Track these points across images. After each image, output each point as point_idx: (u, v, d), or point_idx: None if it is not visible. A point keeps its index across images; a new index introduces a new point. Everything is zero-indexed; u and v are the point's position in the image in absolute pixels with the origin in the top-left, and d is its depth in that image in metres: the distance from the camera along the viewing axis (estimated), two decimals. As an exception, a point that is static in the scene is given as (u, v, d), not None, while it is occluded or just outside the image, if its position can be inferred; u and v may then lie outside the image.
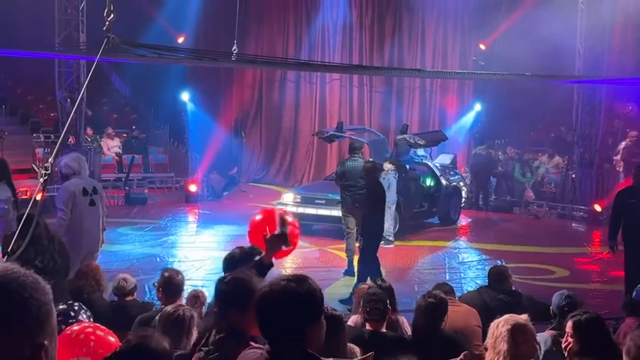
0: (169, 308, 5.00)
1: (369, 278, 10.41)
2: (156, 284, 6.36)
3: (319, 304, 2.87)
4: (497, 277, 7.32)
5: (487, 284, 7.42)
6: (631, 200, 10.20)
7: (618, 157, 19.11)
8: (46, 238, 7.01)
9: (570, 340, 4.90)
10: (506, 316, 4.74)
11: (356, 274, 10.86)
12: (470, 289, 9.89)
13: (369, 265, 10.75)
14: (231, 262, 4.98)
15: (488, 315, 6.38)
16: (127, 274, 7.27)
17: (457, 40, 22.34)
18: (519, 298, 7.11)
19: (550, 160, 20.04)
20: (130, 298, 6.85)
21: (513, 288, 7.46)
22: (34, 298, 1.61)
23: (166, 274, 6.28)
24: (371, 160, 11.88)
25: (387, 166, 14.07)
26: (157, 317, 5.26)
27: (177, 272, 6.44)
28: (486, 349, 4.66)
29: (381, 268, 12.37)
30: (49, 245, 7.01)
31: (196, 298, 6.79)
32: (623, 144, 19.32)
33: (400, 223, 14.88)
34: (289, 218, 4.36)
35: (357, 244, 11.97)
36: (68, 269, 7.34)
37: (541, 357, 5.71)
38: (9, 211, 9.15)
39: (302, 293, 2.78)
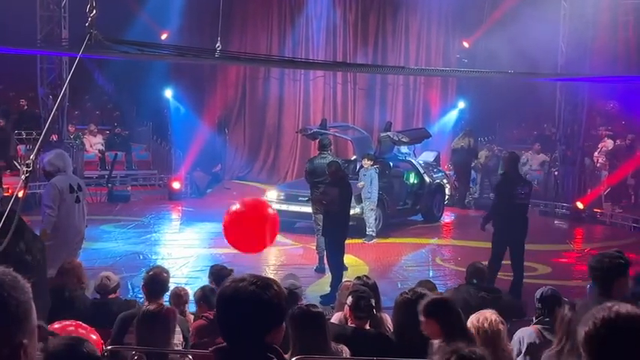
0: (150, 306, 4.97)
1: (344, 274, 10.50)
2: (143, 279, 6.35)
3: (282, 312, 2.77)
4: (475, 274, 7.32)
5: (466, 282, 7.41)
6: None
7: (600, 155, 19.25)
8: (31, 233, 6.96)
9: None
10: (473, 318, 4.76)
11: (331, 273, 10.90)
12: (454, 286, 9.91)
13: (339, 263, 10.80)
14: None
15: (469, 313, 6.40)
16: (109, 272, 7.23)
17: (441, 37, 22.39)
18: (499, 295, 7.11)
19: (535, 155, 20.12)
20: (112, 295, 6.82)
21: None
22: (13, 297, 1.60)
23: (151, 272, 6.25)
24: (334, 160, 11.88)
25: (366, 162, 14.09)
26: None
27: (163, 270, 6.42)
28: None
29: (365, 265, 12.43)
30: (34, 242, 6.96)
31: (179, 296, 6.78)
32: (603, 144, 19.50)
33: (383, 221, 14.89)
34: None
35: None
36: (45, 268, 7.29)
37: (523, 350, 5.74)
38: None
39: (265, 300, 2.67)
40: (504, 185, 11.11)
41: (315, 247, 12.15)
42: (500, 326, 4.74)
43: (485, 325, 4.78)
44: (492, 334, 4.74)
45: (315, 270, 11.82)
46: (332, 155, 12.73)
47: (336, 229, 10.94)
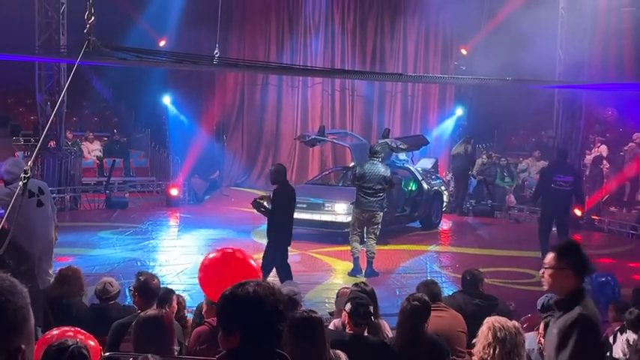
0: (146, 313, 4.91)
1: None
2: (132, 288, 6.28)
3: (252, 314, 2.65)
4: (471, 281, 7.31)
5: (461, 289, 7.40)
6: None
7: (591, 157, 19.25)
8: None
9: (543, 340, 4.92)
10: (498, 318, 4.79)
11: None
12: (451, 293, 9.91)
13: (287, 269, 10.46)
14: None
15: (464, 319, 6.40)
16: (112, 278, 7.17)
17: (439, 44, 22.43)
18: (495, 302, 7.10)
19: (535, 162, 20.11)
20: (112, 302, 6.79)
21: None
22: (11, 302, 1.60)
23: (142, 278, 6.16)
24: (278, 163, 11.84)
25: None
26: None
27: (153, 276, 6.33)
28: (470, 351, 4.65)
29: (362, 270, 12.39)
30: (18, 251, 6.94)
31: (177, 303, 6.73)
32: (595, 149, 19.51)
33: (381, 227, 14.86)
34: None
35: (361, 247, 12.25)
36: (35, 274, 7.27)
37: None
38: None
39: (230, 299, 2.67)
40: (547, 170, 13.97)
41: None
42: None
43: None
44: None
45: (349, 274, 11.91)
46: (382, 162, 12.79)
47: (275, 234, 10.60)
